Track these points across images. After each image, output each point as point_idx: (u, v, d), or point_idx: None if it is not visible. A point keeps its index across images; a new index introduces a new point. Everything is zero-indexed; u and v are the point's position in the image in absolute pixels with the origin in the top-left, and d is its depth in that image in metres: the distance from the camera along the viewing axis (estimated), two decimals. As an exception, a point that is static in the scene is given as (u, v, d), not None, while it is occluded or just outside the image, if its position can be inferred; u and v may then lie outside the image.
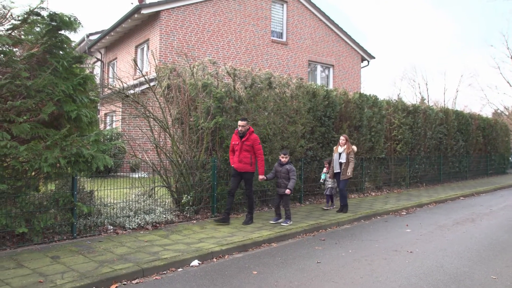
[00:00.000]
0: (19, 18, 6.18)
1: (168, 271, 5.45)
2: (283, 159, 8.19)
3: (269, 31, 19.02)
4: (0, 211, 5.81)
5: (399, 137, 14.45)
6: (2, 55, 5.91)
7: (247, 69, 9.44)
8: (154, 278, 5.20)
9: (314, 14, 20.68)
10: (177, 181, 8.47)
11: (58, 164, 6.13)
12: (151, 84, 9.03)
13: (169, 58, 15.31)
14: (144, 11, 15.57)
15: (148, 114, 8.46)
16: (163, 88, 8.69)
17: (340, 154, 9.63)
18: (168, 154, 8.53)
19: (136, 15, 16.07)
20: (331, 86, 20.64)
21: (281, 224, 7.96)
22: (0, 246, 5.89)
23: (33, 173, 6.38)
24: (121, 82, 8.66)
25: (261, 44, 18.64)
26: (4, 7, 6.01)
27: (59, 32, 6.39)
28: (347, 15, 71.38)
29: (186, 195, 8.26)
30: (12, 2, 6.13)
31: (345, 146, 9.57)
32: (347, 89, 12.82)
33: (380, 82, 61.82)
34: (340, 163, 9.59)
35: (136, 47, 17.88)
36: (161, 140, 8.70)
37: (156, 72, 8.84)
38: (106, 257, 5.64)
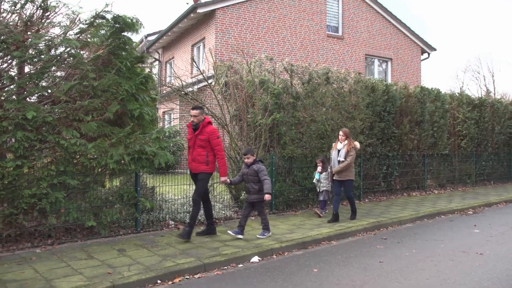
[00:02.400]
0: (86, 22, 6.49)
1: (229, 266, 5.49)
2: (247, 159, 6.73)
3: (325, 26, 18.72)
4: (72, 205, 6.14)
5: (464, 132, 13.71)
6: (71, 58, 6.21)
7: (304, 65, 9.35)
8: (215, 273, 5.26)
9: (371, 6, 20.09)
10: (235, 177, 8.52)
11: (122, 161, 6.38)
12: (209, 81, 9.16)
13: (225, 56, 15.48)
14: (200, 10, 15.84)
15: (207, 112, 8.59)
16: (221, 85, 8.80)
17: (339, 151, 8.14)
18: (226, 151, 8.62)
19: (192, 15, 16.38)
20: (389, 80, 19.98)
21: (257, 236, 6.65)
22: (72, 238, 6.24)
23: (100, 170, 6.66)
24: (180, 80, 8.86)
25: (316, 39, 18.38)
26: (73, 12, 6.33)
27: (122, 33, 6.64)
28: (405, 3, 68.71)
29: (244, 192, 8.29)
30: (80, 8, 6.44)
31: (346, 142, 8.09)
32: (406, 83, 12.32)
33: (441, 75, 59.08)
34: (339, 162, 8.10)
35: (192, 46, 18.25)
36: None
37: (214, 70, 8.96)
38: (169, 251, 5.79)
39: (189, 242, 6.28)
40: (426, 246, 6.61)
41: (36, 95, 6.20)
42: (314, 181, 8.81)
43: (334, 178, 8.16)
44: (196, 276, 5.12)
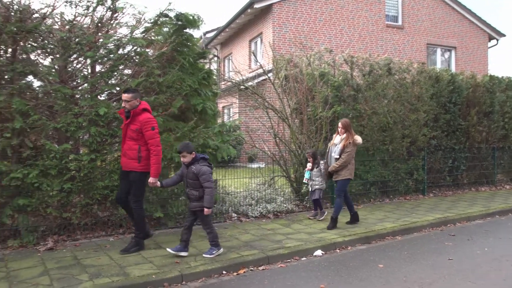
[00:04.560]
0: (151, 21, 6.73)
1: (292, 259, 5.51)
2: (183, 158, 5.28)
3: (383, 16, 18.17)
4: (140, 197, 6.41)
5: (540, 123, 12.79)
6: (138, 56, 6.48)
7: (365, 56, 9.14)
8: (279, 265, 5.30)
9: (433, -7, 19.24)
10: (296, 171, 8.53)
11: (187, 155, 6.54)
12: (269, 75, 9.20)
13: (283, 50, 15.46)
14: (257, 6, 15.91)
15: (267, 105, 8.64)
16: (280, 79, 8.80)
17: (337, 146, 7.00)
18: (287, 144, 8.63)
19: (249, 10, 16.51)
20: (453, 70, 19.04)
21: (203, 255, 5.31)
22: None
23: (166, 163, 6.89)
24: (240, 75, 8.96)
25: (375, 29, 17.89)
26: (139, 12, 6.60)
27: (184, 30, 6.81)
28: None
29: (306, 185, 8.26)
30: (145, 7, 6.71)
31: (345, 135, 6.91)
32: (474, 72, 11.69)
33: (509, 62, 55.26)
34: (335, 159, 6.97)
35: (250, 41, 18.38)
36: (279, 130, 8.83)
37: (273, 64, 8.99)
38: (233, 243, 5.90)
39: (250, 234, 6.36)
40: (500, 245, 6.26)
41: (106, 92, 6.53)
42: (304, 181, 7.70)
43: (333, 178, 7.09)
44: (260, 268, 5.18)
